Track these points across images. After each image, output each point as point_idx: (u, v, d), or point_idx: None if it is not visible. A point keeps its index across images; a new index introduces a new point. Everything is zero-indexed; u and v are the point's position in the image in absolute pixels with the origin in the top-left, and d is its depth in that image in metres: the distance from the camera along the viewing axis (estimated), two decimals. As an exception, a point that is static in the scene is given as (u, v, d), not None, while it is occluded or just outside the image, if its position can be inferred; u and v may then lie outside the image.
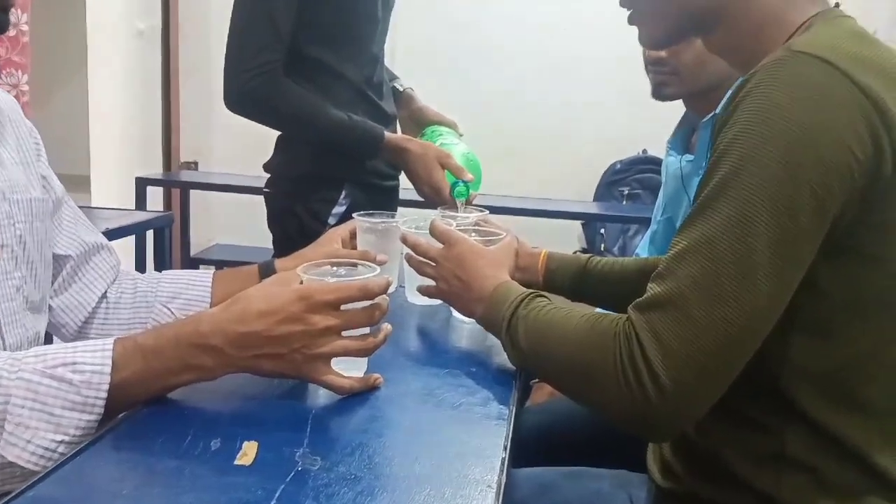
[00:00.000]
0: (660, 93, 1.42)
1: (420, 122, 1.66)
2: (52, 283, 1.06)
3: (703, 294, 0.72)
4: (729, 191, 0.73)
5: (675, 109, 1.49)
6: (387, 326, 0.87)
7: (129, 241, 2.40)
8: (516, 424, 1.34)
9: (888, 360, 0.79)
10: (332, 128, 1.45)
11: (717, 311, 0.72)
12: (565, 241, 3.71)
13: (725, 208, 0.73)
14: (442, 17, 3.51)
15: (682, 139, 1.50)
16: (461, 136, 1.64)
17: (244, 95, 1.42)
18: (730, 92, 0.85)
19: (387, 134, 1.49)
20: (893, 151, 0.72)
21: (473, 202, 1.48)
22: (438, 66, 3.33)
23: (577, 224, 3.71)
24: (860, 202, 0.73)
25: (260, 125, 1.50)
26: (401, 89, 1.72)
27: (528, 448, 1.28)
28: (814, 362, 0.78)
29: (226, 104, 1.45)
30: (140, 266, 2.45)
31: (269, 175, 1.60)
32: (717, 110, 1.30)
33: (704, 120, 1.36)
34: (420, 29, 3.33)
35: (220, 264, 3.52)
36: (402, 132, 1.66)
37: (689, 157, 1.45)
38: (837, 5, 0.85)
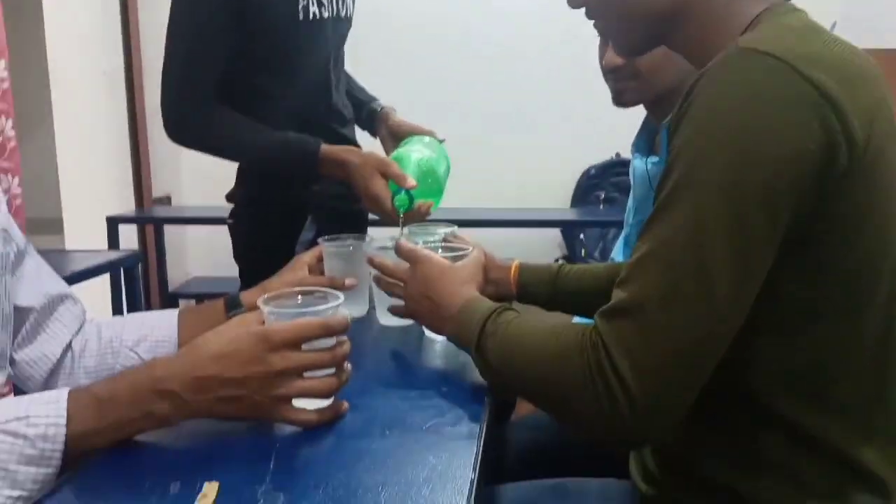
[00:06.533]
0: (620, 100, 1.41)
1: (398, 136, 1.60)
2: (15, 337, 1.03)
3: (664, 300, 0.71)
4: (682, 196, 0.71)
5: (642, 113, 1.48)
6: (347, 366, 0.85)
7: (104, 282, 2.37)
8: (498, 440, 1.32)
9: (854, 360, 0.77)
10: (264, 149, 1.41)
11: (678, 316, 0.70)
12: (545, 250, 3.69)
13: (680, 213, 0.71)
14: (405, 27, 3.51)
15: (646, 141, 1.50)
16: (442, 141, 1.55)
17: (177, 126, 1.42)
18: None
19: (325, 147, 1.41)
20: (849, 143, 0.70)
21: (431, 212, 1.38)
22: (404, 77, 3.32)
23: (557, 232, 3.70)
24: (816, 196, 0.71)
25: None
26: (378, 109, 1.67)
27: (514, 462, 1.26)
28: (781, 364, 0.76)
29: (167, 135, 1.44)
30: (117, 305, 2.41)
31: (231, 206, 1.57)
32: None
33: (665, 122, 1.35)
34: (383, 39, 3.33)
35: (199, 297, 3.47)
36: (385, 151, 1.62)
37: (654, 158, 1.44)
38: None
